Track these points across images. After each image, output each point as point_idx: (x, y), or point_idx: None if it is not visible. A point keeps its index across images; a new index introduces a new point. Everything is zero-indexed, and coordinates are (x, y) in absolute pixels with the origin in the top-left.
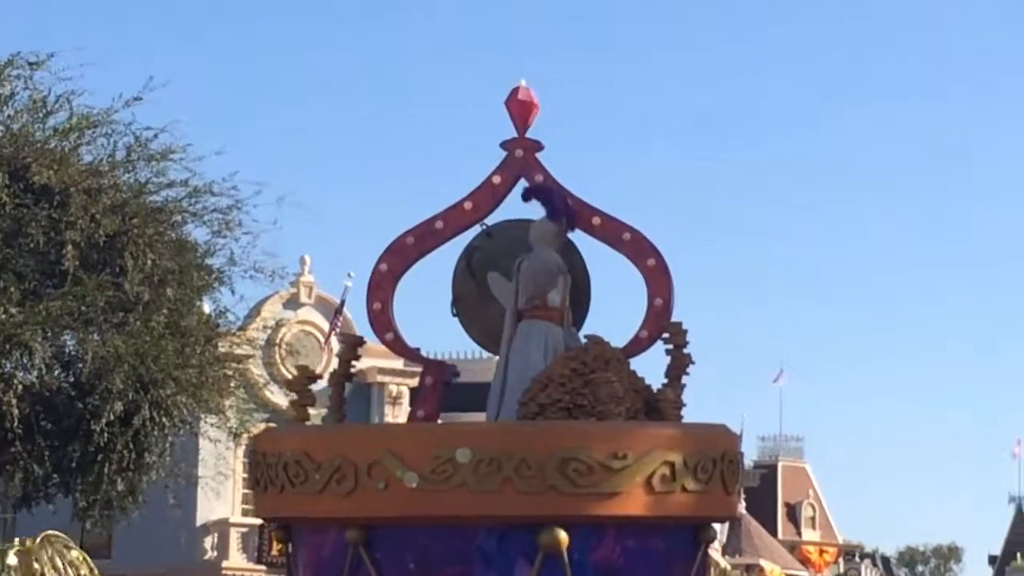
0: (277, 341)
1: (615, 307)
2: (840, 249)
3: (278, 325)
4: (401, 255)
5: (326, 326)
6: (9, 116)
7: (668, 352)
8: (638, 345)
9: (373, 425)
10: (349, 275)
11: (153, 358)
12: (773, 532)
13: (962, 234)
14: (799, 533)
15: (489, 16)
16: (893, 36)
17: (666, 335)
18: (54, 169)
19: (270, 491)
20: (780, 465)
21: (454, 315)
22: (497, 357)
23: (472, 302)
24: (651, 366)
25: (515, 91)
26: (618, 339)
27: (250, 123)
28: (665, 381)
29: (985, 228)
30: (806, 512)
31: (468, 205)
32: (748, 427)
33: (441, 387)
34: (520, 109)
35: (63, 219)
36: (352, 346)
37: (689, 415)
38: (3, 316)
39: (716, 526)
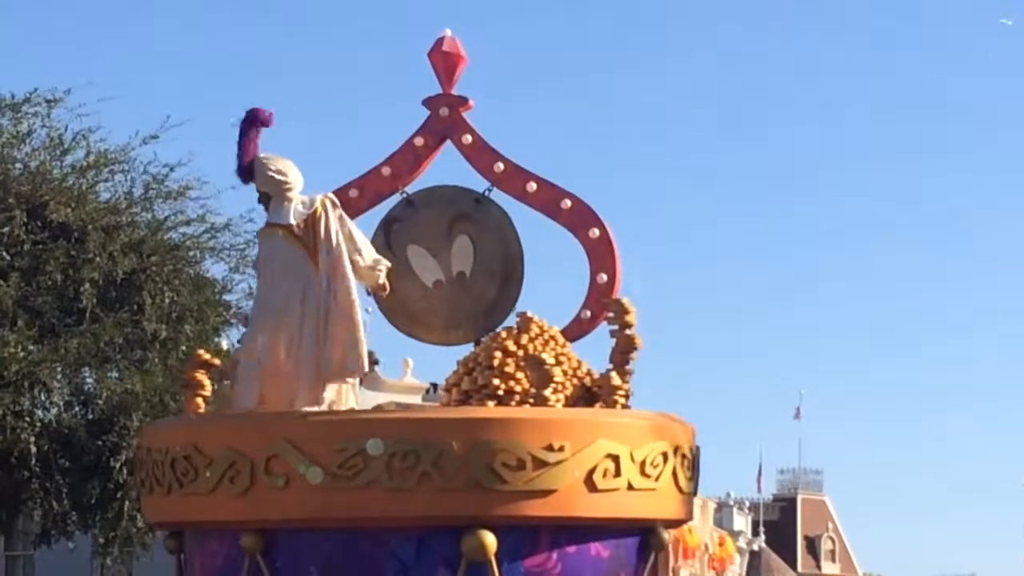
0: None
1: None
2: (858, 282)
3: None
4: None
5: None
6: (27, 154)
7: (612, 333)
8: (580, 327)
9: (270, 413)
10: (367, 311)
11: (171, 396)
12: (793, 566)
13: (980, 268)
14: (819, 566)
15: None
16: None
17: (610, 314)
18: (72, 207)
19: (156, 492)
20: (799, 498)
21: (369, 294)
22: (420, 343)
23: (390, 279)
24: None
25: (439, 42)
26: (558, 320)
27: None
28: (610, 366)
29: (1003, 263)
30: (826, 545)
31: (386, 171)
32: (767, 460)
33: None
34: (445, 62)
35: (81, 257)
36: None
37: (705, 445)
38: (21, 354)
39: (668, 533)
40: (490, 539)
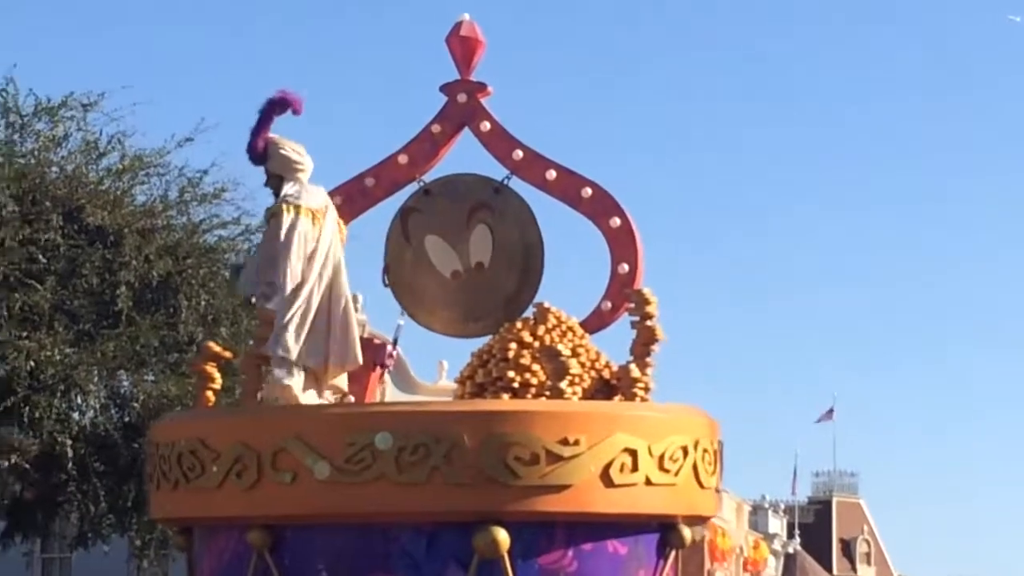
0: None
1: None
2: (894, 282)
3: None
4: None
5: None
6: (63, 157)
7: (633, 324)
8: (600, 318)
9: (278, 407)
10: (402, 314)
11: None
12: (828, 568)
13: (1014, 268)
14: (854, 569)
15: None
16: None
17: (631, 305)
18: (108, 210)
19: (163, 487)
20: (835, 501)
21: (386, 285)
22: (439, 335)
23: (407, 271)
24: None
25: (457, 26)
26: (578, 311)
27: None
28: (630, 358)
29: None
30: (861, 548)
31: (403, 158)
32: (802, 463)
33: (375, 370)
34: (463, 47)
35: (117, 260)
36: (269, 323)
37: (740, 448)
38: (58, 357)
39: (689, 531)
40: (503, 535)
